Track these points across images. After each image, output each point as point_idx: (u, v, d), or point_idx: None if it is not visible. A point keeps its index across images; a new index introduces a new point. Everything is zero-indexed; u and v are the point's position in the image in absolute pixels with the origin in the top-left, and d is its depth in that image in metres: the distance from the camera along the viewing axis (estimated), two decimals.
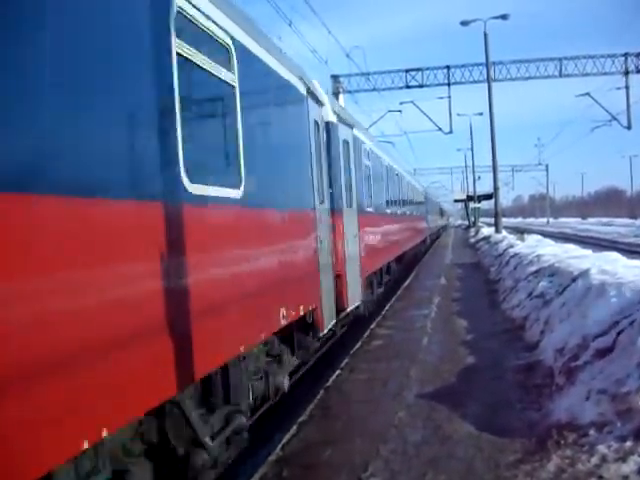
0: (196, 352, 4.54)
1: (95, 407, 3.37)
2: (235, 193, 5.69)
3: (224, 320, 5.29)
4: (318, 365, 10.68)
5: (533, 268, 14.18)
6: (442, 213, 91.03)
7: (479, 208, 72.66)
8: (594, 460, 4.98)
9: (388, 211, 18.70)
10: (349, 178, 11.88)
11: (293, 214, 7.68)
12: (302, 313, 7.72)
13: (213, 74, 5.38)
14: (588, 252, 15.33)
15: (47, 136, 3.18)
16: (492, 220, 41.70)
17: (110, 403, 3.50)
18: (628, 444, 4.96)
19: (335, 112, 10.94)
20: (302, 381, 9.94)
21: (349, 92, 38.85)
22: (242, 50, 6.12)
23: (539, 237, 27.63)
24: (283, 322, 6.88)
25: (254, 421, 8.12)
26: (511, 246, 22.71)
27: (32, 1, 3.18)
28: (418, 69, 39.41)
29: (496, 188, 34.89)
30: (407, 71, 39.39)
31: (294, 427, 6.99)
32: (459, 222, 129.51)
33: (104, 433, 3.40)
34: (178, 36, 4.66)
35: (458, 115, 56.73)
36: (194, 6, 4.99)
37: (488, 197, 59.47)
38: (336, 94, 35.35)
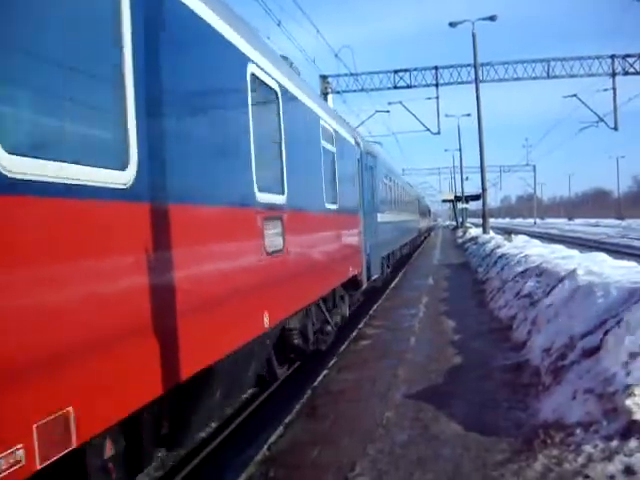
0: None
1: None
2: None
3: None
4: (305, 364, 10.65)
5: (520, 268, 14.22)
6: (425, 211, 70.36)
7: (467, 209, 72.84)
8: (580, 460, 4.99)
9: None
10: None
11: None
12: None
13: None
14: (575, 252, 15.41)
15: None
16: (480, 220, 41.81)
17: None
18: (614, 443, 4.97)
19: None
20: (289, 381, 9.91)
21: (337, 92, 38.86)
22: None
23: (526, 238, 27.73)
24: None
25: (241, 421, 8.10)
26: (498, 247, 22.77)
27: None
28: (406, 70, 39.49)
29: (484, 189, 35.05)
30: (395, 72, 39.49)
31: (281, 427, 6.96)
32: (447, 222, 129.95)
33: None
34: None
35: (446, 116, 56.97)
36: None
37: (476, 198, 59.73)
38: (325, 94, 35.34)
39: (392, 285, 20.76)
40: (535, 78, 38.77)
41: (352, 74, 37.80)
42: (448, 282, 20.34)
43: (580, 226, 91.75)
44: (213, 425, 7.78)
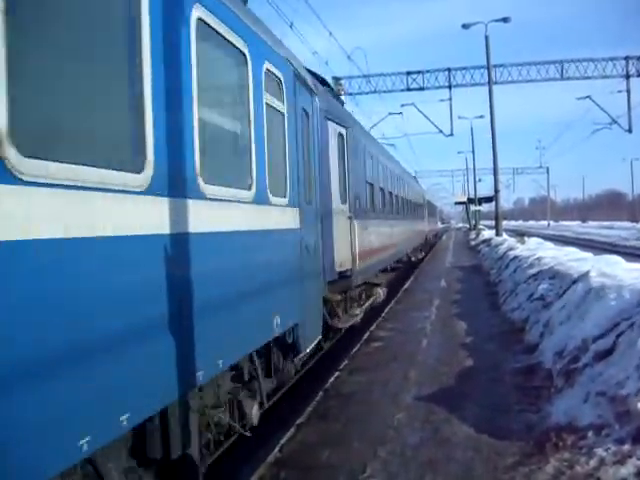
0: None
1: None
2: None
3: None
4: (317, 366, 10.66)
5: (533, 271, 14.16)
6: (420, 203, 37.24)
7: (480, 211, 72.53)
8: (592, 463, 4.97)
9: None
10: None
11: None
12: None
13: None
14: (588, 255, 15.32)
15: None
16: (493, 223, 41.63)
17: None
18: (626, 447, 4.94)
19: None
20: (301, 382, 9.92)
21: (350, 94, 38.91)
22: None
23: (539, 240, 27.59)
24: None
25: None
26: (511, 249, 22.67)
27: None
28: (419, 71, 39.51)
29: (497, 191, 34.89)
30: (408, 73, 39.49)
31: (292, 429, 6.97)
32: (460, 225, 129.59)
33: None
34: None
35: (459, 118, 56.98)
36: None
37: (489, 200, 59.45)
38: (337, 96, 35.35)
39: (404, 287, 20.72)
40: (548, 80, 38.69)
41: (365, 76, 37.91)
42: (460, 284, 20.27)
43: (594, 229, 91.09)
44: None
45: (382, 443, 6.17)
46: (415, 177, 38.83)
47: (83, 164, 3.32)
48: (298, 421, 7.24)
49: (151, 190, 3.99)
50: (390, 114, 43.97)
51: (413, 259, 30.39)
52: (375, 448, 6.05)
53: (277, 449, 6.41)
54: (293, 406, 8.29)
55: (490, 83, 33.81)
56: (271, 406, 8.08)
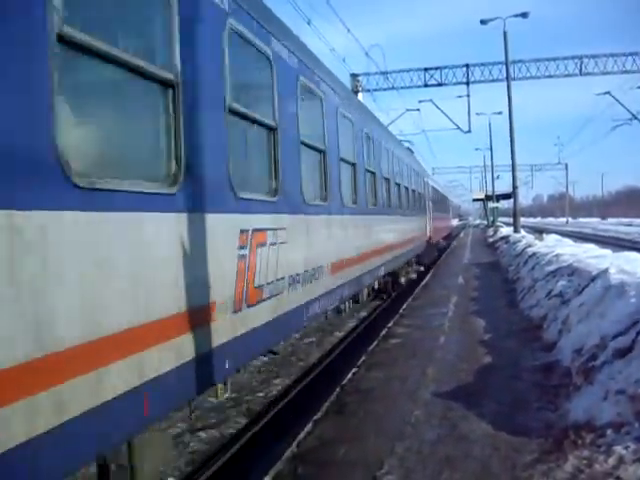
0: None
1: None
2: None
3: None
4: (334, 362, 10.68)
5: (551, 268, 14.08)
6: (423, 197, 26.80)
7: (498, 207, 72.18)
8: (611, 461, 4.94)
9: None
10: None
11: None
12: None
13: None
14: (607, 252, 15.20)
15: None
16: (511, 219, 41.35)
17: None
18: None
19: None
20: (318, 378, 9.96)
21: (368, 91, 38.89)
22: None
23: (558, 237, 27.43)
24: None
25: (269, 418, 8.15)
26: (529, 246, 22.55)
27: None
28: (437, 68, 39.37)
29: (515, 187, 34.68)
30: (426, 70, 39.34)
31: (310, 424, 6.99)
32: (478, 221, 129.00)
33: None
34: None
35: (477, 114, 56.68)
36: None
37: (507, 196, 59.17)
38: (355, 92, 35.31)
39: (421, 284, 20.68)
40: (567, 75, 38.37)
41: (382, 72, 37.85)
42: (478, 281, 20.20)
43: (613, 226, 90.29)
44: (242, 422, 7.84)
45: (400, 439, 6.17)
46: (410, 150, 27.94)
47: None
48: (315, 416, 7.26)
49: None
50: (408, 110, 43.80)
51: (403, 280, 20.88)
52: (393, 444, 6.06)
53: (294, 444, 6.43)
54: (311, 401, 8.31)
55: (508, 79, 33.57)
56: (288, 401, 8.11)
